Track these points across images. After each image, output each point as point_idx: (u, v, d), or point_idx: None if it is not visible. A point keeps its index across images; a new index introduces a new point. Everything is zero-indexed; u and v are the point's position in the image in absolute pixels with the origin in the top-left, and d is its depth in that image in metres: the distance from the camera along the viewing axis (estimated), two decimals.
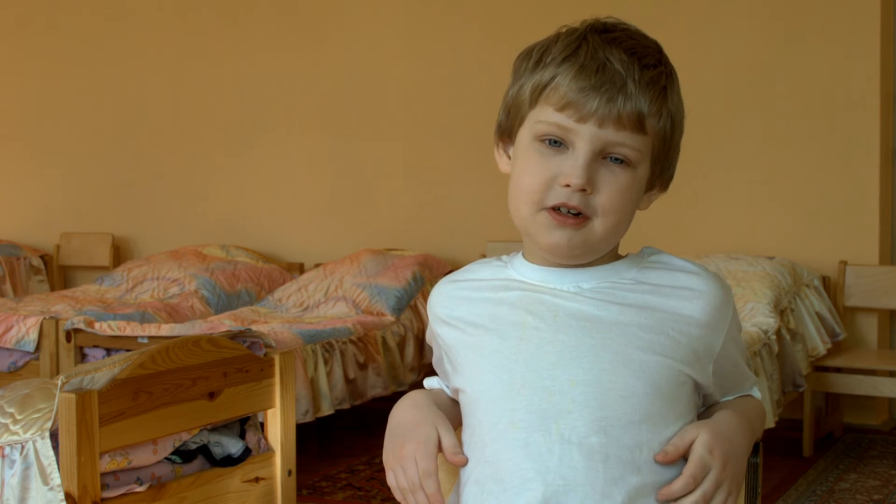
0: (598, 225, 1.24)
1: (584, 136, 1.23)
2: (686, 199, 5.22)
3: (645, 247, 1.34)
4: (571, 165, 1.23)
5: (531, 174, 1.26)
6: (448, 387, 1.39)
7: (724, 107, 5.21)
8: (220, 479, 2.79)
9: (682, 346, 1.25)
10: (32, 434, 2.44)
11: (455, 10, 5.78)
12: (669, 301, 1.26)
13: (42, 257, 6.69)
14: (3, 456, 2.46)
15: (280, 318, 5.01)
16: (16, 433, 2.46)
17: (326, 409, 4.36)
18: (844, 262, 4.95)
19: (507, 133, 1.32)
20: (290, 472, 2.99)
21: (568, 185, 1.23)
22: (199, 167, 6.47)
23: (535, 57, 1.28)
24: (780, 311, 4.54)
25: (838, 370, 4.71)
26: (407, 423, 1.32)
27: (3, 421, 2.49)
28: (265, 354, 2.95)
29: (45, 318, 4.46)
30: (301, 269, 6.06)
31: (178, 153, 6.52)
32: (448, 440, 1.28)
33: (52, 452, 2.42)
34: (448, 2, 5.81)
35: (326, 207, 6.13)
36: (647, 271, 1.29)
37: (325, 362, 4.41)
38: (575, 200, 1.23)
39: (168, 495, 2.63)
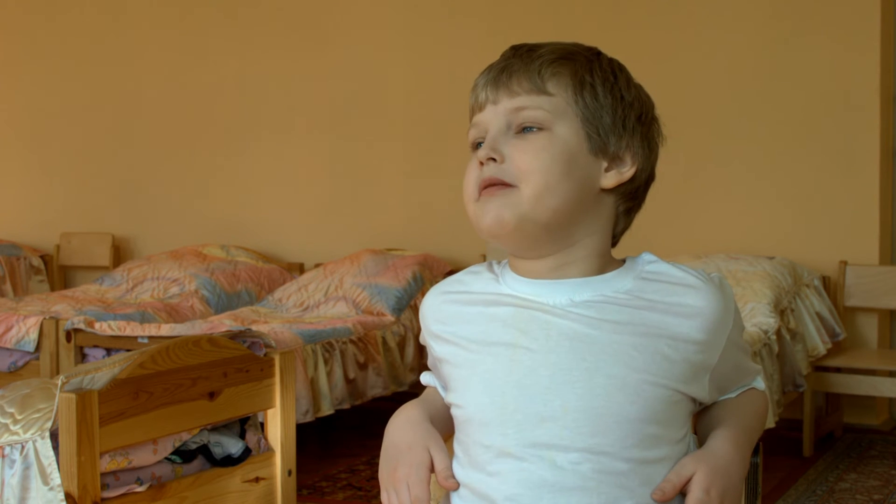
0: (525, 189, 1.23)
1: (488, 118, 1.27)
2: (686, 199, 5.22)
3: (645, 252, 1.32)
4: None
5: (465, 177, 1.29)
6: (442, 387, 1.39)
7: (724, 107, 5.21)
8: (220, 479, 2.79)
9: (677, 364, 1.23)
10: (32, 434, 2.44)
11: (456, 9, 5.78)
12: (666, 318, 1.24)
13: (42, 257, 6.69)
14: (3, 456, 2.46)
15: (280, 318, 5.00)
16: (16, 433, 2.46)
17: (326, 409, 4.36)
18: (844, 262, 4.95)
19: None
20: (290, 472, 2.99)
21: (482, 164, 1.26)
22: (199, 167, 6.47)
23: None
24: (781, 311, 4.54)
25: (838, 370, 4.71)
26: (400, 446, 1.31)
27: (3, 421, 2.49)
28: (265, 354, 2.95)
29: (45, 318, 4.46)
30: (301, 269, 6.06)
31: (178, 153, 6.53)
32: (440, 462, 1.28)
33: (52, 452, 2.41)
34: (449, 1, 5.81)
35: (326, 207, 6.13)
36: (644, 283, 1.26)
37: (325, 362, 4.41)
38: (489, 172, 1.25)
39: (168, 495, 2.63)
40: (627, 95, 1.28)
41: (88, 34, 6.76)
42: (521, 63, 1.26)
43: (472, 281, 1.34)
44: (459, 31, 5.75)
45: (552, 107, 1.24)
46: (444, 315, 1.32)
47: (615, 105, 1.27)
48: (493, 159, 1.25)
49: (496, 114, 1.27)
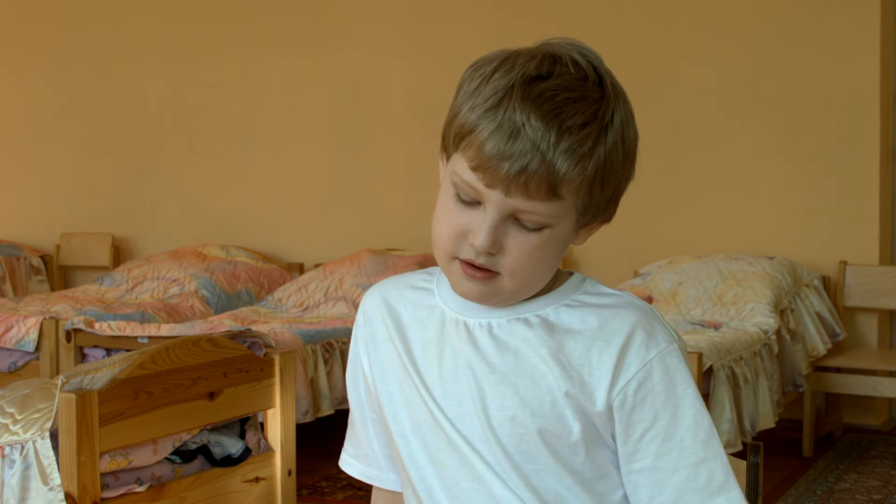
0: (507, 282, 1.21)
1: (492, 201, 1.18)
2: (686, 200, 5.22)
3: (587, 279, 1.29)
4: (479, 226, 1.19)
5: (444, 224, 1.23)
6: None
7: (725, 107, 5.20)
8: (220, 479, 2.79)
9: (589, 398, 1.21)
10: (32, 434, 2.44)
11: (456, 10, 5.78)
12: (579, 348, 1.22)
13: (42, 257, 6.69)
14: (3, 456, 2.46)
15: (280, 318, 5.01)
16: (16, 433, 2.46)
17: (326, 409, 4.36)
18: (844, 262, 4.95)
19: (444, 148, 1.27)
20: (290, 472, 2.99)
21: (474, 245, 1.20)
22: (199, 167, 6.47)
23: (476, 81, 1.21)
24: (780, 311, 4.54)
25: (838, 370, 4.71)
26: None
27: (3, 421, 2.49)
28: (265, 354, 2.95)
29: (45, 318, 4.46)
30: (301, 269, 6.06)
31: (178, 153, 6.53)
32: None
33: (52, 452, 2.42)
34: (449, 2, 5.81)
35: (326, 207, 6.13)
36: (564, 311, 1.25)
37: (325, 362, 4.41)
38: (481, 260, 1.20)
39: (168, 495, 2.63)
40: (622, 162, 1.22)
41: (88, 34, 6.76)
42: (550, 155, 1.16)
43: (408, 293, 1.34)
44: (459, 32, 5.75)
45: (558, 211, 1.19)
46: (380, 324, 1.34)
47: (615, 181, 1.22)
48: (491, 252, 1.20)
49: (503, 204, 1.18)
